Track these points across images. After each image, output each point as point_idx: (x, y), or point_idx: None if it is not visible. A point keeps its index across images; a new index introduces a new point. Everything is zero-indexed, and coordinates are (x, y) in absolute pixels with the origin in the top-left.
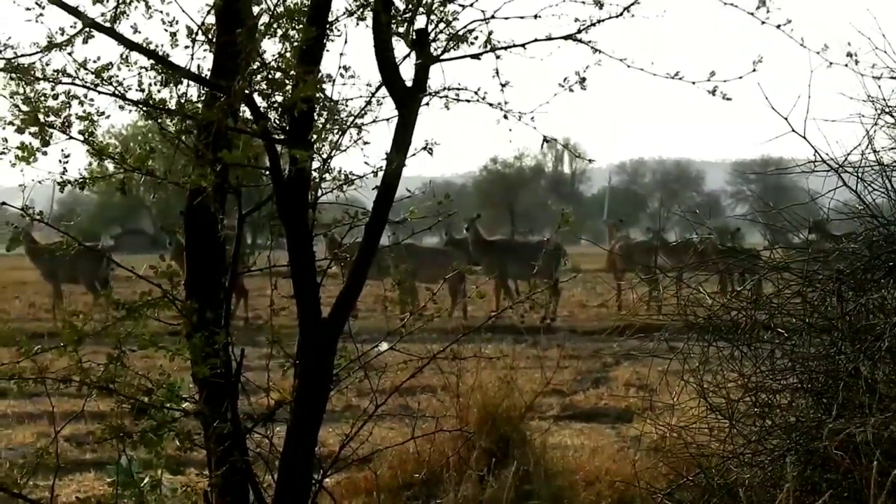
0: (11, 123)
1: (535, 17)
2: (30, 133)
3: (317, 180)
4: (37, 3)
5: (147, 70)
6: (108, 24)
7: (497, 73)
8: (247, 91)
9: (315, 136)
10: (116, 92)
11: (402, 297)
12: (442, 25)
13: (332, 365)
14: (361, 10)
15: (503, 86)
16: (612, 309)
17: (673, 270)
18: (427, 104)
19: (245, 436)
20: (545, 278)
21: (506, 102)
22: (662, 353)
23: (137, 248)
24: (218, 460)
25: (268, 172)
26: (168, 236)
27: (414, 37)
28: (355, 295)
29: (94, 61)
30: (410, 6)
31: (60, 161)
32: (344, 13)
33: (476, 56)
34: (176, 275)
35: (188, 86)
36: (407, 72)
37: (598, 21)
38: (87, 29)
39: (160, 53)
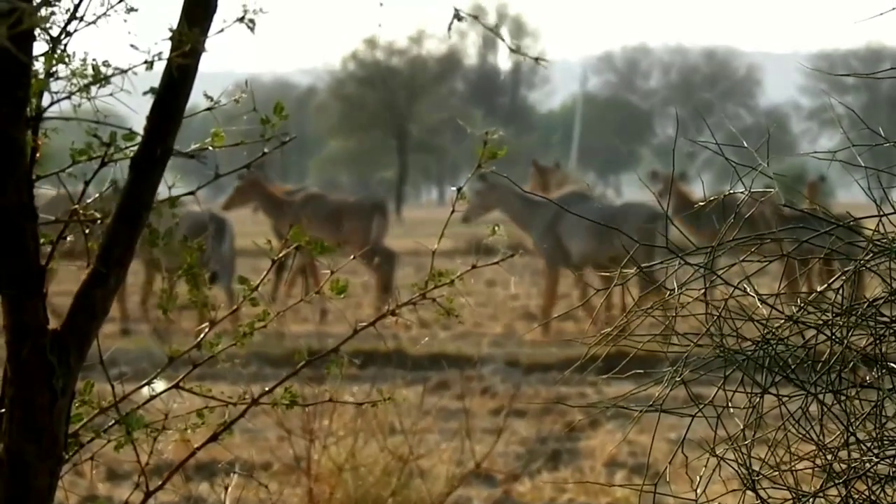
0: None
1: None
2: None
3: (40, 76)
4: None
5: None
6: None
7: None
8: None
9: None
10: None
11: (195, 295)
12: None
13: (67, 418)
14: None
15: None
16: (582, 322)
17: (699, 252)
18: None
19: None
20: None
21: None
22: (677, 407)
23: None
24: None
25: None
26: None
27: None
28: (111, 289)
29: None
30: None
31: None
32: None
33: None
34: None
35: None
36: None
37: None
38: None
39: None
